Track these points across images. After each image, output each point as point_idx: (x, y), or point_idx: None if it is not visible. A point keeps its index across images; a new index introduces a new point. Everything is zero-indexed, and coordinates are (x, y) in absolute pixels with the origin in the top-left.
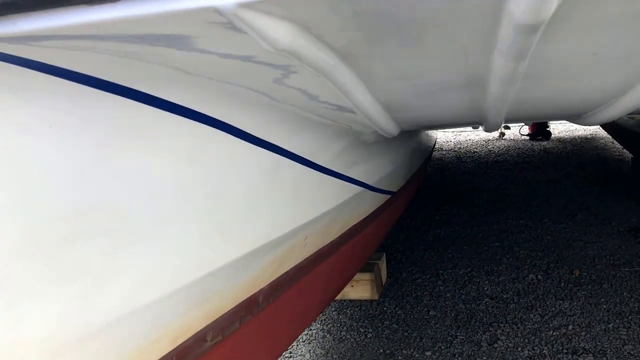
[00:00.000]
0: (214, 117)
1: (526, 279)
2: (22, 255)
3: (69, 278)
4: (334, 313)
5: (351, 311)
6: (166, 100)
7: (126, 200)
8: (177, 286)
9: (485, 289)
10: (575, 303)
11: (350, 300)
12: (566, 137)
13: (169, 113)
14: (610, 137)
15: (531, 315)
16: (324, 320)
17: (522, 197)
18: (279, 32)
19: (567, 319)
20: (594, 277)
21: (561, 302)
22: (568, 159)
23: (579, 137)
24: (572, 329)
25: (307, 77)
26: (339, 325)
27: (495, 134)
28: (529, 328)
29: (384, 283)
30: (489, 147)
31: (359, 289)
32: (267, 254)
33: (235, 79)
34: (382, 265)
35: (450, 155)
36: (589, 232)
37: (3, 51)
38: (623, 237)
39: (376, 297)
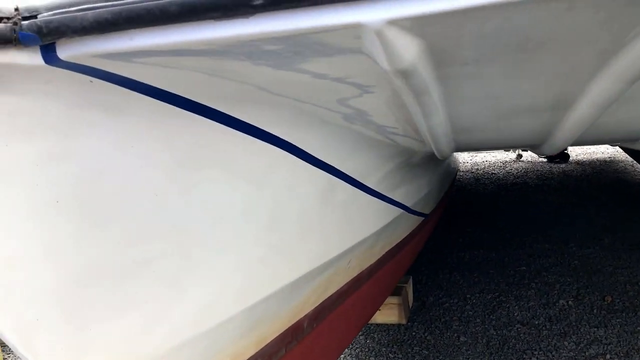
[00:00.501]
0: (282, 138)
1: (557, 304)
2: (92, 280)
3: (135, 303)
4: (361, 337)
5: (379, 336)
6: (242, 121)
7: (195, 221)
8: (235, 311)
9: (516, 314)
10: (610, 331)
11: (377, 324)
12: (584, 159)
13: (243, 134)
14: (630, 159)
15: (566, 343)
16: (352, 345)
17: (545, 220)
18: (410, 50)
19: (603, 347)
20: (627, 304)
21: (595, 329)
22: (588, 181)
23: (597, 159)
24: (610, 358)
25: (383, 97)
26: (367, 350)
27: (512, 155)
28: (565, 356)
29: (410, 307)
30: (506, 168)
31: (386, 313)
32: (316, 277)
33: (315, 99)
34: (409, 288)
35: (468, 177)
36: (617, 257)
37: (103, 68)
38: None
39: (404, 321)
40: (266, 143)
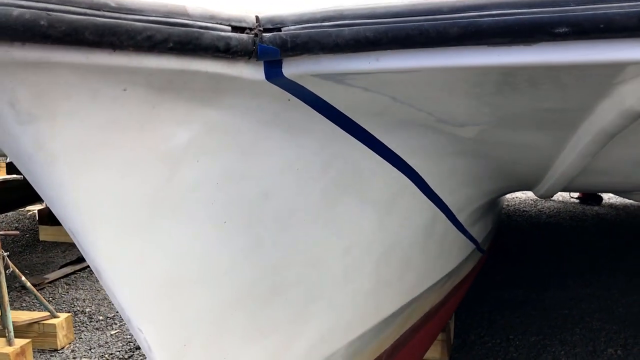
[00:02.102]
0: (411, 166)
1: (605, 353)
2: (239, 306)
3: (268, 332)
4: None
5: None
6: (386, 147)
7: (328, 250)
8: (340, 345)
9: None
10: None
11: None
12: (617, 203)
13: (383, 159)
14: None
15: None
16: None
17: (584, 263)
18: None
19: None
20: None
21: None
22: (624, 226)
23: (631, 204)
24: None
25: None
26: None
27: None
28: None
29: (452, 344)
30: (537, 206)
31: (429, 349)
32: (403, 312)
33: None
34: (452, 324)
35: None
36: None
37: (310, 87)
38: None
39: (446, 358)
40: (398, 170)
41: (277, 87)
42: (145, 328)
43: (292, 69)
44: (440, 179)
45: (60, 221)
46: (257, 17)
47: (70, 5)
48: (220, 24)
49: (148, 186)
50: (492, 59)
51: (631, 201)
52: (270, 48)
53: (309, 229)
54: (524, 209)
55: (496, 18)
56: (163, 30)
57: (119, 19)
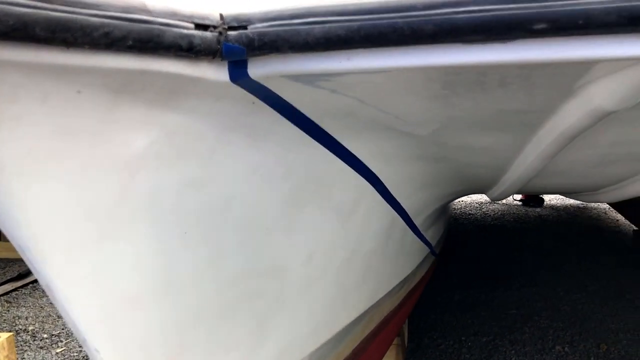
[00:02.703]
0: (372, 170)
1: (553, 350)
2: (199, 321)
3: (228, 347)
4: None
5: None
6: (348, 151)
7: (290, 259)
8: (303, 356)
9: (513, 359)
10: None
11: None
12: (559, 205)
13: (345, 164)
14: (603, 207)
15: None
16: None
17: (529, 264)
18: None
19: None
20: (622, 353)
21: None
22: (565, 227)
23: (571, 205)
24: None
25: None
26: None
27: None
28: None
29: (406, 348)
30: (483, 209)
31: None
32: (365, 317)
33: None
34: (405, 328)
35: None
36: (605, 304)
37: (275, 89)
38: None
39: None
40: (359, 175)
41: (241, 89)
42: (102, 348)
43: (258, 69)
44: (399, 184)
45: (7, 235)
46: (221, 15)
47: None
48: (183, 21)
49: (103, 197)
50: (468, 58)
51: (571, 202)
52: (236, 47)
53: (271, 237)
54: (470, 212)
55: (472, 15)
56: (122, 26)
57: (74, 13)
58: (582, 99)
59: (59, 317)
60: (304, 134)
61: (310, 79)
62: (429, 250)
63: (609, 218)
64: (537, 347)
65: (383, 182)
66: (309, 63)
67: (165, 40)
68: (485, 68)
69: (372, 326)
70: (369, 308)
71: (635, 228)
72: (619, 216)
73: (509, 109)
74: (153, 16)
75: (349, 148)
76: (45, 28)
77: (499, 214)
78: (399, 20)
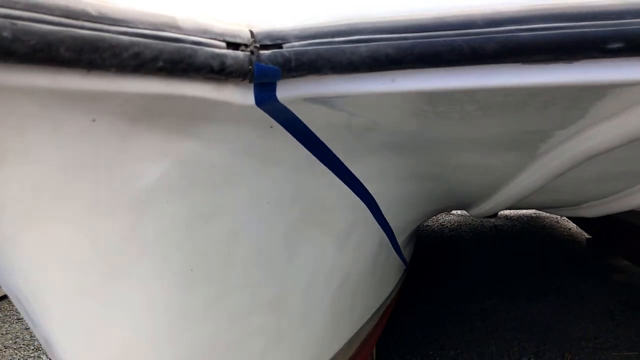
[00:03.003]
0: (369, 191)
1: None
2: None
3: None
4: None
5: None
6: (351, 173)
7: (289, 288)
8: None
9: None
10: None
11: None
12: (512, 215)
13: (347, 187)
14: (554, 216)
15: None
16: None
17: (489, 275)
18: None
19: None
20: None
21: None
22: (520, 237)
23: (524, 215)
24: None
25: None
26: None
27: None
28: None
29: None
30: (439, 220)
31: None
32: (351, 343)
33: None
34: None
35: None
36: (566, 313)
37: (298, 112)
38: (601, 320)
39: None
40: (357, 197)
41: (262, 113)
42: None
43: (288, 91)
44: (392, 203)
45: (1, 284)
46: (251, 32)
47: (43, 13)
48: (215, 39)
49: (110, 237)
50: (529, 79)
51: (523, 212)
52: (269, 68)
53: (274, 269)
54: (426, 223)
55: (538, 33)
56: (153, 46)
57: (102, 30)
58: (617, 121)
59: None
60: (313, 156)
61: (336, 100)
62: (405, 266)
63: (562, 227)
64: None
65: (377, 202)
66: (348, 84)
67: (197, 61)
68: (550, 89)
69: (355, 349)
70: (357, 332)
71: (588, 236)
72: (571, 224)
73: (527, 129)
74: (185, 34)
75: (351, 170)
76: (71, 48)
77: (455, 224)
78: (458, 38)
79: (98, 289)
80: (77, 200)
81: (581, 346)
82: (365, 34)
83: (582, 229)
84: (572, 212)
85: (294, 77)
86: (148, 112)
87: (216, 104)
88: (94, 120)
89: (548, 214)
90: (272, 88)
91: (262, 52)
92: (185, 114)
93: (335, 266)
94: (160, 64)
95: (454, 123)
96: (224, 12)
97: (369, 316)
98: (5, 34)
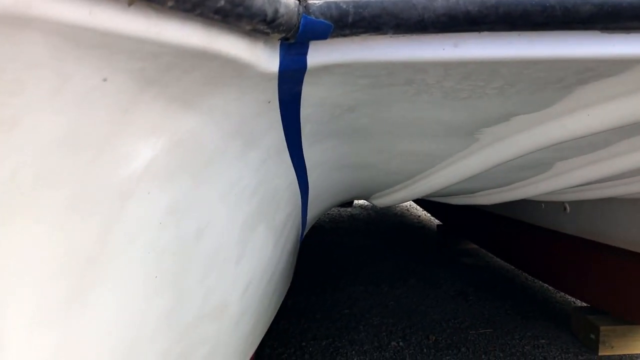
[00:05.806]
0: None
1: (389, 346)
2: None
3: None
4: None
5: None
6: (304, 161)
7: (231, 292)
8: None
9: (355, 359)
10: None
11: None
12: (366, 204)
13: (295, 176)
14: (404, 205)
15: None
16: None
17: (351, 262)
18: None
19: None
20: (449, 342)
21: None
22: (376, 225)
23: None
24: None
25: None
26: None
27: None
28: None
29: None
30: None
31: None
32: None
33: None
34: None
35: None
36: (426, 296)
37: (311, 82)
38: (456, 301)
39: None
40: (299, 188)
41: (274, 83)
42: None
43: (323, 56)
44: (317, 195)
45: None
46: None
47: None
48: None
49: (82, 243)
50: (628, 48)
51: None
52: (320, 23)
53: (224, 273)
54: None
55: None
56: None
57: None
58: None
59: None
60: (284, 140)
61: (369, 70)
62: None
63: (412, 214)
64: (375, 345)
65: (310, 193)
66: (403, 49)
67: (256, 4)
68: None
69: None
70: (262, 331)
71: (438, 222)
72: (420, 212)
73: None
74: None
75: (306, 158)
76: None
77: None
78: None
79: (62, 308)
80: (58, 191)
81: (442, 327)
82: None
83: (434, 216)
84: (464, 200)
85: (345, 36)
86: (164, 76)
87: (237, 67)
88: (104, 80)
89: None
90: (304, 51)
91: (311, 2)
92: (198, 81)
93: (268, 265)
94: (222, 2)
95: (435, 101)
96: None
97: (275, 313)
98: None
